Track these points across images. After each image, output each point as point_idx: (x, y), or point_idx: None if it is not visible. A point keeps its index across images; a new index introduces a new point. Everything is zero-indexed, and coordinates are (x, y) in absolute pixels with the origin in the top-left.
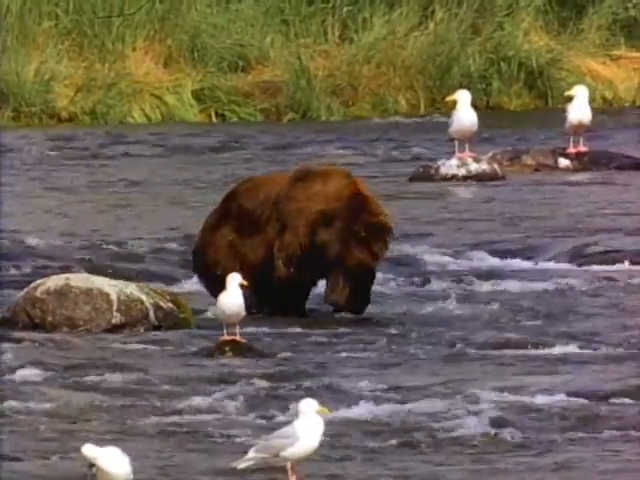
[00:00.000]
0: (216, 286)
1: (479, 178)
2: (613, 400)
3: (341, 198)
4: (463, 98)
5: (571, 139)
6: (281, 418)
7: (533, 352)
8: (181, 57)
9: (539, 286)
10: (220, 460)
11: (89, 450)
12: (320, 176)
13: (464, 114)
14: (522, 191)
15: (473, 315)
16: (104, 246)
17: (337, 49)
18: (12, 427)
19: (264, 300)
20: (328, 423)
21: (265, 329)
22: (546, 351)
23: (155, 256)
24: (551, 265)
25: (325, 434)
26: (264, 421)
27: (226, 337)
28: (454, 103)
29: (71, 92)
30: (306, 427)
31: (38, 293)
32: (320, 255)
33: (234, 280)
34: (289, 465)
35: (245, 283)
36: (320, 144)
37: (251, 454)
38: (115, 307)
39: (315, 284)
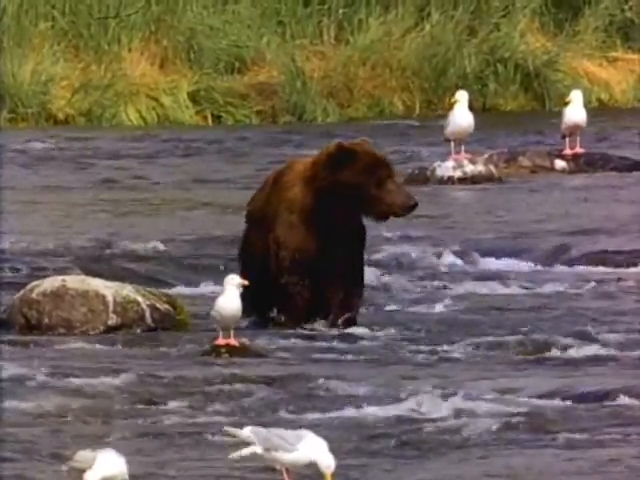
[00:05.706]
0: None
1: (475, 180)
2: (612, 402)
3: None
4: (463, 99)
5: (567, 140)
6: (277, 420)
7: (532, 354)
8: (177, 58)
9: (536, 288)
10: (216, 462)
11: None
12: None
13: (460, 115)
14: (518, 193)
15: (470, 317)
16: (100, 248)
17: (333, 50)
18: (7, 429)
19: (267, 298)
20: (327, 426)
21: (262, 330)
22: (545, 353)
23: (151, 258)
24: (548, 267)
25: (324, 436)
26: (260, 423)
27: (220, 340)
28: (453, 104)
29: (67, 93)
30: (310, 445)
31: (34, 295)
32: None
33: (232, 282)
34: (284, 467)
35: (245, 283)
36: (316, 146)
37: (247, 432)
38: (111, 309)
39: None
